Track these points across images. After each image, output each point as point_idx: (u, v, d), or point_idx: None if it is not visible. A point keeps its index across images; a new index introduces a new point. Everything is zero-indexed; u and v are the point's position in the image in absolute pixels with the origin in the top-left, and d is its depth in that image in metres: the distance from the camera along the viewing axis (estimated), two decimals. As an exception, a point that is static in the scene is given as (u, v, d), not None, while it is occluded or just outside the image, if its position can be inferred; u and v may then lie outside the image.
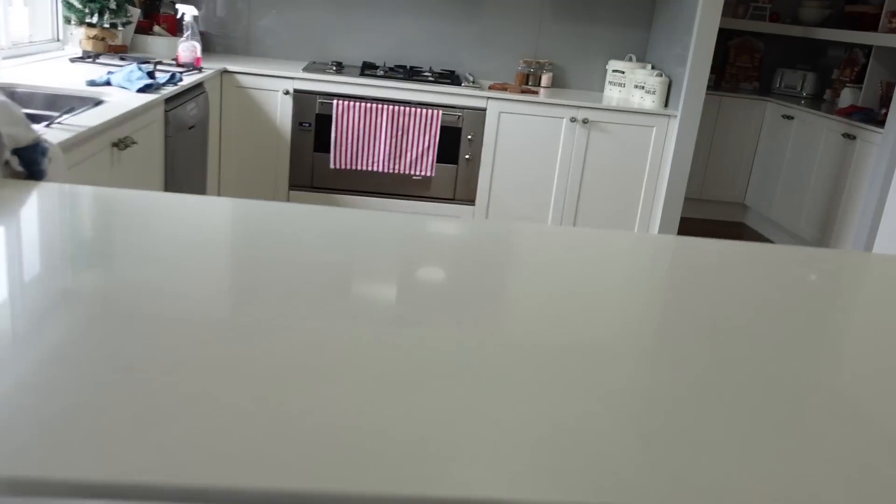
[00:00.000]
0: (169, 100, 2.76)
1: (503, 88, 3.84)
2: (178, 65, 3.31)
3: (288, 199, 3.80)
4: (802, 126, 4.85)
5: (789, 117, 5.03)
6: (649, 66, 4.10)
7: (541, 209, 3.92)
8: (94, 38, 3.40)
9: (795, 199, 4.88)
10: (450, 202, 3.89)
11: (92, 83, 2.60)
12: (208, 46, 4.16)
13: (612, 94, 4.18)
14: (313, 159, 3.77)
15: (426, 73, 3.99)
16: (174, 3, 4.01)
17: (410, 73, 3.93)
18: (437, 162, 3.82)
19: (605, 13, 4.24)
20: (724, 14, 5.53)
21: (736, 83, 5.75)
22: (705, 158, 5.38)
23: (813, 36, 5.33)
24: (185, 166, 3.04)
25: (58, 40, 3.49)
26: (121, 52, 3.56)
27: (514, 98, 3.74)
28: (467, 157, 3.83)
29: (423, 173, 3.79)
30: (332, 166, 3.74)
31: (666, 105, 3.92)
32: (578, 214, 3.95)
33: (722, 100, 5.28)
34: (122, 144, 2.23)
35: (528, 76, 4.24)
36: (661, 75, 3.97)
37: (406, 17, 4.16)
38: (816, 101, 5.31)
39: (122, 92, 2.56)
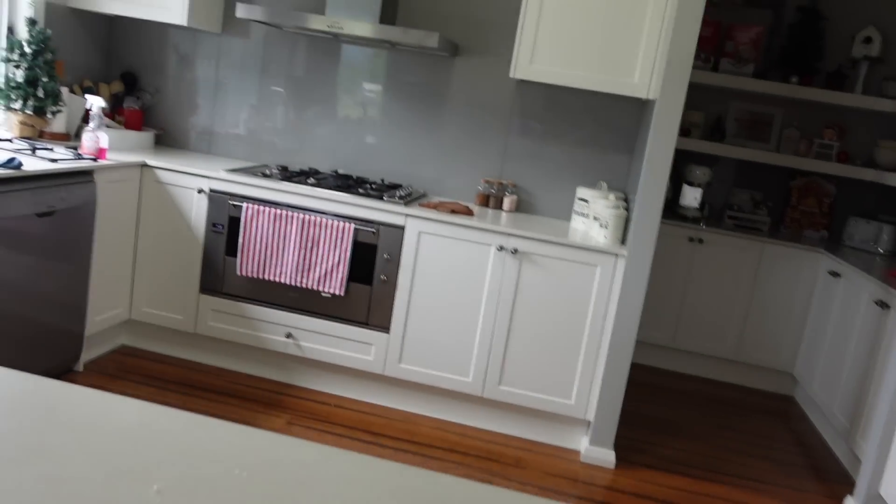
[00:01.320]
0: (6, 181, 2.67)
1: (433, 207, 3.45)
2: (79, 155, 3.26)
3: (197, 304, 3.59)
4: (849, 286, 3.99)
5: (836, 274, 4.17)
6: (619, 195, 3.54)
7: (463, 347, 3.41)
8: (23, 123, 3.47)
9: (834, 376, 3.96)
10: (362, 326, 3.48)
11: None
12: (167, 140, 4.16)
13: (577, 226, 3.64)
14: (224, 263, 3.56)
15: (371, 185, 3.70)
16: (140, 99, 4.07)
17: (353, 183, 3.66)
18: (350, 280, 3.46)
19: (581, 132, 3.77)
20: (784, 150, 4.82)
21: (798, 230, 4.93)
22: (743, 314, 4.56)
23: (886, 182, 4.47)
24: (37, 249, 2.92)
25: (-5, 124, 3.61)
26: (61, 139, 3.61)
27: (432, 217, 3.34)
28: (383, 277, 3.44)
29: (332, 291, 3.44)
30: (238, 273, 3.50)
31: (623, 242, 3.32)
32: (508, 357, 3.38)
33: (765, 247, 4.51)
34: None
35: (488, 197, 3.82)
36: (626, 208, 3.41)
37: (370, 127, 3.94)
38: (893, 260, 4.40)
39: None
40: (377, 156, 3.97)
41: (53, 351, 3.18)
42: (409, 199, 3.56)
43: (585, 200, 3.61)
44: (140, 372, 3.48)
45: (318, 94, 3.98)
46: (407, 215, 3.37)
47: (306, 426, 3.23)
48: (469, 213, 3.48)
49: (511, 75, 3.41)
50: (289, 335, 3.55)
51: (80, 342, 3.33)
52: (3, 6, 3.52)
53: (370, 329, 3.49)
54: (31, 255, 2.91)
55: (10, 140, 3.29)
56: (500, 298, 3.35)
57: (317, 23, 3.41)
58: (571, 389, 3.37)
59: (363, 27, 3.38)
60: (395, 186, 3.81)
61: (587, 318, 3.31)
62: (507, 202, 3.80)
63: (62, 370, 3.32)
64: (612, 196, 3.51)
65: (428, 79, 3.87)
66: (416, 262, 3.40)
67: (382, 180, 3.91)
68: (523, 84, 3.78)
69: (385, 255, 3.42)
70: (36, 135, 3.52)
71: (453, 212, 3.42)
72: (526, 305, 3.34)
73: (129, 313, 3.67)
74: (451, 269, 3.38)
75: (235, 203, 3.49)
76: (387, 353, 3.48)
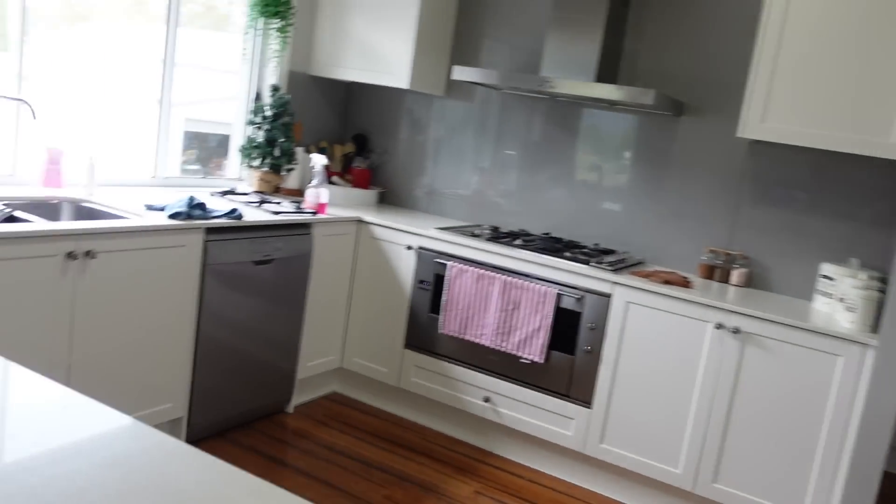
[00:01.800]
0: (229, 230, 2.90)
1: (645, 276, 3.19)
2: (300, 207, 3.47)
3: (402, 359, 3.62)
4: None
5: None
6: (873, 275, 3.02)
7: (673, 433, 3.06)
8: (261, 179, 3.78)
9: None
10: (562, 398, 3.27)
11: (150, 207, 2.87)
12: (391, 198, 4.31)
13: (818, 307, 3.16)
14: (428, 321, 3.55)
15: (581, 249, 3.53)
16: (368, 159, 4.28)
17: (562, 247, 3.51)
18: (551, 348, 3.28)
19: (829, 200, 3.29)
20: None
21: None
22: None
23: None
24: (257, 293, 3.11)
25: (241, 179, 3.97)
26: (293, 194, 3.89)
27: (642, 287, 3.07)
28: (587, 348, 3.22)
29: (531, 357, 3.28)
30: (441, 330, 3.47)
31: (875, 330, 2.81)
32: (725, 451, 2.97)
33: None
34: (75, 256, 2.38)
35: (713, 269, 3.46)
36: (881, 289, 2.89)
37: (588, 189, 3.78)
38: None
39: (158, 215, 2.77)
40: (593, 219, 3.79)
41: (268, 390, 3.35)
42: (621, 266, 3.33)
43: (830, 278, 3.13)
44: (345, 420, 3.55)
45: (541, 156, 3.91)
46: (614, 283, 3.14)
47: (495, 498, 3.07)
48: (685, 284, 3.16)
49: (739, 134, 3.08)
50: (487, 399, 3.43)
51: (292, 385, 3.49)
52: (252, 75, 3.90)
53: (571, 402, 3.26)
54: (249, 299, 3.11)
55: (246, 193, 3.59)
56: (718, 383, 2.97)
57: (528, 82, 3.35)
58: (804, 499, 2.86)
59: (575, 86, 3.27)
60: (608, 252, 3.59)
61: (825, 416, 2.81)
62: (736, 275, 3.40)
63: (274, 410, 3.48)
64: (863, 275, 3.00)
65: (650, 139, 3.64)
66: (622, 334, 3.14)
67: (596, 245, 3.71)
68: (757, 146, 3.41)
69: (589, 324, 3.20)
70: (272, 190, 3.81)
71: (667, 282, 3.13)
72: (748, 394, 2.93)
73: (340, 361, 3.79)
74: (662, 345, 3.07)
75: (441, 261, 3.49)
76: (588, 429, 3.23)
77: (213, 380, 3.02)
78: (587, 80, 3.41)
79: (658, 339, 3.07)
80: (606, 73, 3.52)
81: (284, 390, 3.46)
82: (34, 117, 2.68)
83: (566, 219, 3.85)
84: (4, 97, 2.80)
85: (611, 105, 3.61)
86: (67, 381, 2.45)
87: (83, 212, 2.89)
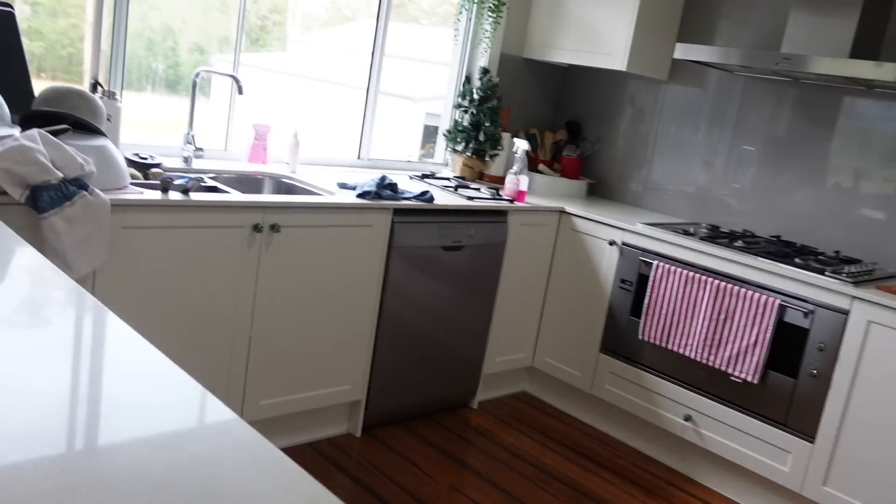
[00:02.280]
0: (419, 212, 2.83)
1: (893, 291, 2.63)
2: (498, 194, 3.32)
3: (596, 363, 3.34)
4: None
5: None
6: None
7: (914, 485, 2.49)
8: (465, 165, 3.69)
9: None
10: (779, 427, 2.81)
11: (343, 185, 2.88)
12: (602, 190, 4.01)
13: None
14: (628, 324, 3.24)
15: (816, 256, 3.02)
16: (580, 147, 4.03)
17: (792, 252, 3.03)
18: (768, 368, 2.83)
19: None
20: None
21: None
22: None
23: None
24: (444, 279, 3.02)
25: (445, 164, 3.91)
26: (497, 181, 3.77)
27: (890, 304, 2.52)
28: (813, 372, 2.72)
29: (743, 376, 2.86)
30: (640, 336, 3.15)
31: None
32: None
33: None
34: (261, 228, 2.41)
35: None
36: None
37: (838, 194, 3.23)
38: None
39: (347, 193, 2.76)
40: (838, 224, 3.22)
41: (452, 382, 3.24)
42: (865, 278, 2.78)
43: None
44: (530, 423, 3.35)
45: (786, 152, 3.41)
46: (854, 297, 2.61)
47: (686, 531, 2.70)
48: (952, 305, 2.55)
49: None
50: (688, 418, 3.04)
51: (478, 379, 3.35)
52: (463, 58, 3.80)
53: (789, 433, 2.79)
54: (436, 284, 3.01)
55: (448, 178, 3.50)
56: None
57: (763, 60, 2.90)
58: None
59: (823, 63, 2.77)
60: (851, 261, 3.02)
61: None
62: None
63: (458, 403, 3.37)
64: None
65: (916, 128, 3.01)
66: (860, 359, 2.61)
67: (837, 253, 3.15)
68: None
69: (818, 344, 2.71)
70: (476, 176, 3.70)
71: (926, 301, 2.55)
72: None
73: (531, 360, 3.59)
74: (912, 378, 2.50)
75: (646, 260, 3.15)
76: (808, 467, 2.74)
77: (394, 365, 2.97)
78: (836, 56, 2.89)
79: (907, 369, 2.51)
80: (865, 49, 2.96)
81: (469, 384, 3.33)
82: (241, 92, 2.78)
83: (802, 221, 3.32)
84: (217, 73, 2.94)
85: (870, 87, 3.03)
86: (247, 353, 2.50)
87: (283, 187, 2.96)
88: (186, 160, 2.77)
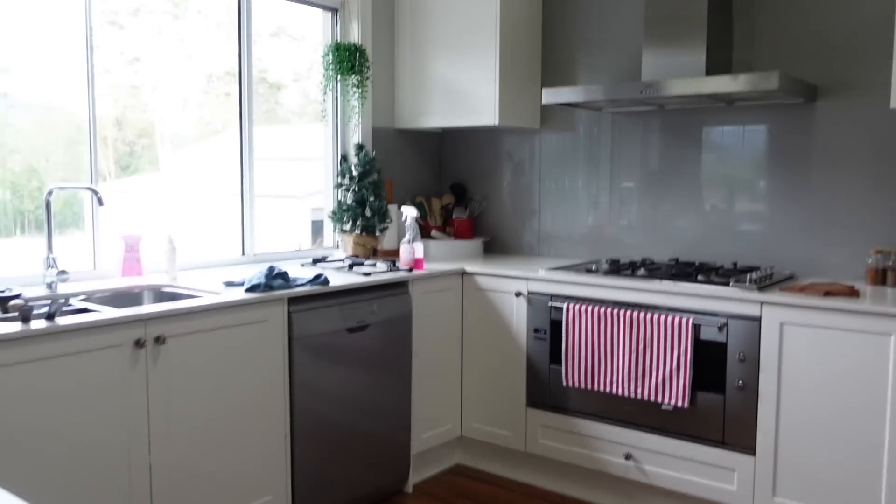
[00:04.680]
0: (315, 298, 2.67)
1: (799, 290, 2.66)
2: (394, 266, 3.20)
3: (525, 419, 3.22)
4: None
5: None
6: None
7: (864, 477, 2.47)
8: (356, 243, 3.57)
9: None
10: (717, 446, 2.76)
11: (229, 283, 2.69)
12: (497, 247, 3.98)
13: None
14: (549, 373, 3.15)
15: (716, 270, 3.04)
16: (468, 208, 3.99)
17: (693, 271, 3.05)
18: (695, 388, 2.79)
19: None
20: None
21: None
22: None
23: None
24: (354, 362, 2.85)
25: (336, 247, 3.78)
26: (392, 255, 3.65)
27: (798, 303, 2.55)
28: (739, 383, 2.70)
29: (673, 402, 2.80)
30: (564, 383, 3.06)
31: None
32: (938, 496, 2.36)
33: None
34: (143, 343, 2.20)
35: (884, 272, 2.87)
36: None
37: (717, 203, 3.30)
38: None
39: (237, 291, 2.58)
40: (728, 237, 3.28)
41: (381, 469, 3.04)
42: (768, 282, 2.81)
43: None
44: (470, 496, 3.17)
45: (662, 180, 3.48)
46: (762, 303, 2.63)
47: (652, 576, 2.56)
48: (853, 293, 2.61)
49: (893, 105, 2.55)
50: (628, 456, 2.95)
51: (408, 460, 3.16)
52: (335, 137, 3.73)
53: (729, 450, 2.73)
54: (346, 370, 2.84)
55: (341, 259, 3.37)
56: (914, 409, 2.38)
57: (627, 91, 2.97)
58: None
59: (683, 84, 2.85)
60: (750, 270, 3.07)
61: None
62: (913, 275, 2.80)
63: (391, 491, 3.15)
64: None
65: (782, 136, 3.13)
66: (780, 363, 2.61)
67: (735, 265, 3.20)
68: (916, 117, 2.84)
69: (738, 355, 2.69)
70: (368, 253, 3.58)
71: (828, 294, 2.59)
72: (957, 418, 2.31)
73: (460, 430, 3.43)
74: (834, 370, 2.51)
75: (556, 305, 3.10)
76: (754, 481, 2.68)
77: (316, 464, 2.75)
78: (694, 76, 2.99)
79: (826, 363, 2.52)
80: (718, 65, 3.08)
81: (400, 468, 3.13)
82: (101, 203, 2.58)
83: (694, 242, 3.37)
84: (71, 187, 2.74)
85: (729, 102, 3.15)
86: (150, 486, 2.24)
87: (164, 296, 2.75)
88: (50, 286, 2.52)
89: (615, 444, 2.98)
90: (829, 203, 3.03)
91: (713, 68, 3.03)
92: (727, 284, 2.75)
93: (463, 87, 3.59)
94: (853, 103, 2.95)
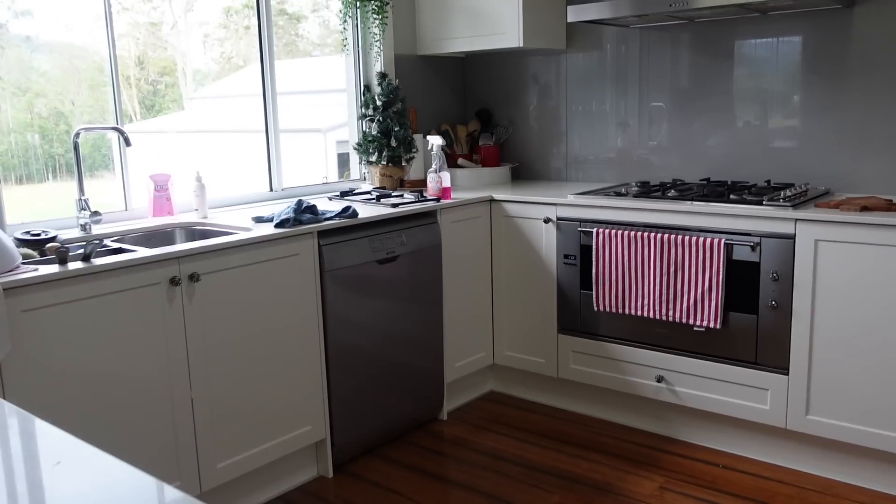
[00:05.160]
0: (344, 230, 2.69)
1: (835, 206, 2.60)
2: (422, 196, 3.19)
3: (557, 346, 3.24)
4: None
5: None
6: None
7: (894, 393, 2.46)
8: (383, 175, 3.56)
9: None
10: (751, 367, 2.76)
11: (259, 219, 2.71)
12: (525, 172, 3.94)
13: None
14: (580, 298, 3.15)
15: (749, 189, 2.98)
16: (494, 134, 3.94)
17: (725, 190, 2.99)
18: (727, 309, 2.77)
19: None
20: None
21: None
22: None
23: None
24: (385, 294, 2.88)
25: (363, 179, 3.77)
26: (419, 186, 3.64)
27: (833, 219, 2.50)
28: (772, 303, 2.68)
29: (705, 323, 2.79)
30: (595, 308, 3.06)
31: None
32: (975, 409, 2.34)
33: None
34: (178, 281, 2.23)
35: (923, 185, 2.79)
36: None
37: (749, 119, 3.21)
38: None
39: (266, 227, 2.59)
40: (761, 154, 3.21)
41: (416, 397, 3.10)
42: (802, 199, 2.75)
43: None
44: (504, 421, 3.23)
45: (693, 95, 3.39)
46: (796, 220, 2.58)
47: (685, 493, 2.61)
48: (891, 207, 2.54)
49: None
50: (660, 379, 2.97)
51: (442, 389, 3.22)
52: (357, 67, 3.68)
53: (762, 370, 2.73)
54: (378, 301, 2.87)
55: (368, 192, 3.37)
56: (952, 323, 2.34)
57: (655, 4, 2.86)
58: None
59: (713, -5, 2.74)
60: (784, 187, 3.00)
61: None
62: (954, 188, 2.72)
63: (427, 418, 3.22)
64: None
65: (817, 46, 3.01)
66: (815, 281, 2.57)
67: (768, 182, 3.13)
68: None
69: (772, 275, 2.66)
70: (396, 184, 3.57)
71: (864, 208, 2.53)
72: None
73: (492, 357, 3.47)
74: (869, 287, 2.47)
75: (585, 230, 3.07)
76: (787, 400, 2.68)
77: (352, 394, 2.81)
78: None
79: (862, 279, 2.48)
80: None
81: (434, 396, 3.19)
82: (128, 144, 2.59)
83: (727, 161, 3.29)
84: (97, 128, 2.75)
85: (763, 12, 3.02)
86: (192, 417, 2.31)
87: (196, 234, 2.78)
88: (84, 227, 2.56)
89: (647, 368, 3.00)
90: (866, 115, 2.93)
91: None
92: (760, 203, 2.70)
93: (485, 8, 3.50)
94: (893, 7, 2.82)
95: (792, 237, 2.60)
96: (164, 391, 2.24)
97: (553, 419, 3.24)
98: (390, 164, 3.52)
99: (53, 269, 2.02)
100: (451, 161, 3.76)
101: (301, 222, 2.61)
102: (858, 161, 2.97)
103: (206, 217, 2.87)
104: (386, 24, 3.54)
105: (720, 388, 2.83)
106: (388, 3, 3.53)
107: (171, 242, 2.76)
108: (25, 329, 1.94)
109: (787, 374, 2.68)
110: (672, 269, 2.84)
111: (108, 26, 2.77)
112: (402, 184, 3.61)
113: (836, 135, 3.01)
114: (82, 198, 2.57)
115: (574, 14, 3.12)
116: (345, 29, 3.60)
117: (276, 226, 2.57)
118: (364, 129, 3.57)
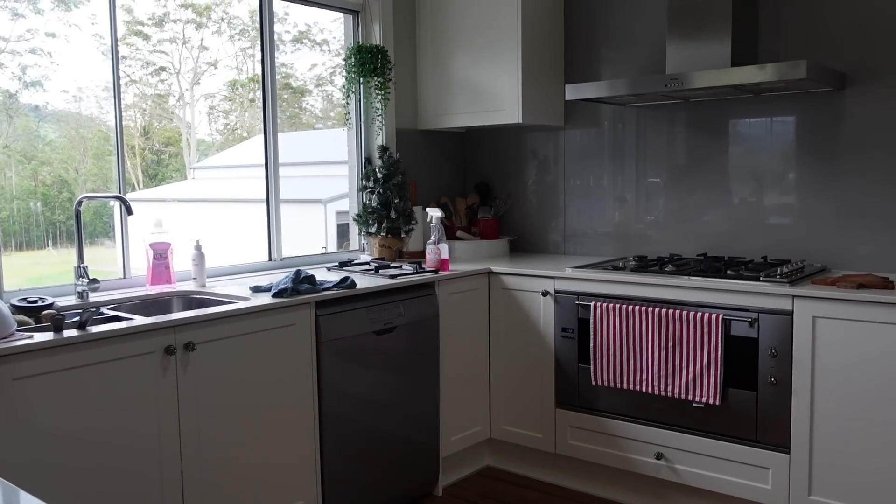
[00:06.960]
0: (342, 301, 2.68)
1: (832, 283, 2.61)
2: (421, 268, 3.20)
3: (554, 420, 3.20)
4: None
5: None
6: None
7: (899, 474, 2.42)
8: (382, 246, 3.58)
9: None
10: (751, 444, 2.71)
11: (257, 289, 2.71)
12: (523, 245, 3.96)
13: None
14: (578, 372, 3.13)
15: (746, 265, 2.99)
16: (493, 207, 3.98)
17: (722, 266, 3.00)
18: (727, 385, 2.75)
19: None
20: None
21: None
22: None
23: None
24: (382, 365, 2.85)
25: (362, 250, 3.79)
26: (417, 257, 3.66)
27: (830, 296, 2.50)
28: (771, 380, 2.66)
29: (704, 399, 2.77)
30: (593, 382, 3.04)
31: None
32: (981, 492, 2.29)
33: None
34: (173, 350, 2.22)
35: (919, 263, 2.81)
36: None
37: (747, 196, 3.25)
38: None
39: (264, 296, 2.59)
40: (756, 231, 3.23)
41: (411, 472, 3.04)
42: (798, 276, 2.76)
43: None
44: (500, 499, 3.16)
45: (688, 172, 3.44)
46: (794, 296, 2.58)
47: (686, 577, 2.53)
48: (888, 285, 2.55)
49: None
50: (660, 456, 2.92)
51: (437, 463, 3.15)
52: (359, 140, 3.74)
53: (763, 448, 2.69)
54: (374, 373, 2.84)
55: (366, 262, 3.38)
56: (954, 403, 2.32)
57: (651, 84, 2.94)
58: None
59: (708, 76, 2.81)
60: (780, 263, 3.02)
61: None
62: (950, 266, 2.73)
63: (421, 494, 3.15)
64: None
65: (811, 126, 3.07)
66: (813, 357, 2.56)
67: (765, 258, 3.15)
68: (949, 103, 2.77)
69: (770, 351, 2.65)
70: (394, 255, 3.58)
71: (861, 286, 2.54)
72: None
73: (488, 431, 3.42)
74: (869, 364, 2.46)
75: (583, 303, 3.07)
76: (789, 479, 2.63)
77: (346, 468, 2.76)
78: (719, 67, 2.94)
79: (861, 357, 2.46)
80: (744, 55, 3.03)
81: (429, 471, 3.13)
82: (130, 213, 2.62)
83: (723, 236, 3.32)
84: (100, 196, 2.78)
85: (756, 93, 3.10)
86: (182, 491, 2.26)
87: (193, 303, 2.78)
88: (81, 295, 2.56)
89: (646, 444, 2.95)
90: (860, 193, 2.97)
91: (739, 59, 2.98)
92: (757, 279, 2.71)
93: (486, 85, 3.58)
94: (883, 89, 2.89)
95: (790, 313, 2.60)
96: (153, 463, 2.20)
97: (551, 497, 3.17)
98: (389, 236, 3.54)
99: (48, 336, 2.01)
100: (450, 233, 3.79)
101: (299, 292, 2.61)
102: (854, 238, 2.99)
103: (204, 286, 2.87)
104: (388, 100, 3.62)
105: (721, 466, 2.78)
106: (390, 80, 3.62)
107: (169, 311, 2.75)
108: (16, 397, 1.91)
109: (789, 452, 2.63)
110: (670, 343, 2.83)
111: (116, 97, 2.83)
112: (400, 255, 3.62)
113: (831, 212, 3.04)
114: (81, 265, 2.58)
115: (572, 92, 3.19)
116: (348, 103, 3.68)
117: (274, 295, 2.57)
118: (364, 200, 3.61)
